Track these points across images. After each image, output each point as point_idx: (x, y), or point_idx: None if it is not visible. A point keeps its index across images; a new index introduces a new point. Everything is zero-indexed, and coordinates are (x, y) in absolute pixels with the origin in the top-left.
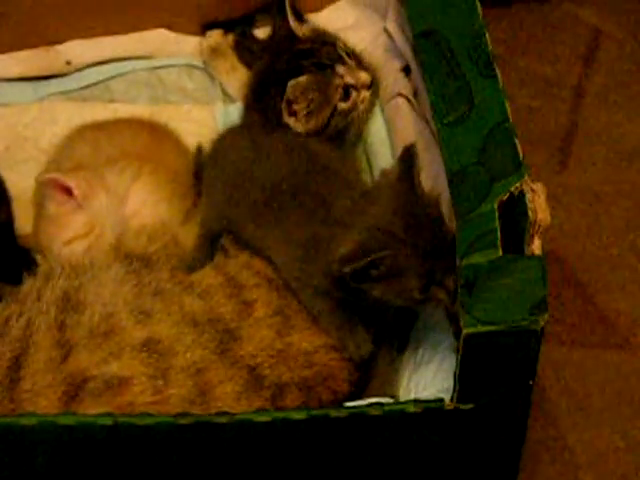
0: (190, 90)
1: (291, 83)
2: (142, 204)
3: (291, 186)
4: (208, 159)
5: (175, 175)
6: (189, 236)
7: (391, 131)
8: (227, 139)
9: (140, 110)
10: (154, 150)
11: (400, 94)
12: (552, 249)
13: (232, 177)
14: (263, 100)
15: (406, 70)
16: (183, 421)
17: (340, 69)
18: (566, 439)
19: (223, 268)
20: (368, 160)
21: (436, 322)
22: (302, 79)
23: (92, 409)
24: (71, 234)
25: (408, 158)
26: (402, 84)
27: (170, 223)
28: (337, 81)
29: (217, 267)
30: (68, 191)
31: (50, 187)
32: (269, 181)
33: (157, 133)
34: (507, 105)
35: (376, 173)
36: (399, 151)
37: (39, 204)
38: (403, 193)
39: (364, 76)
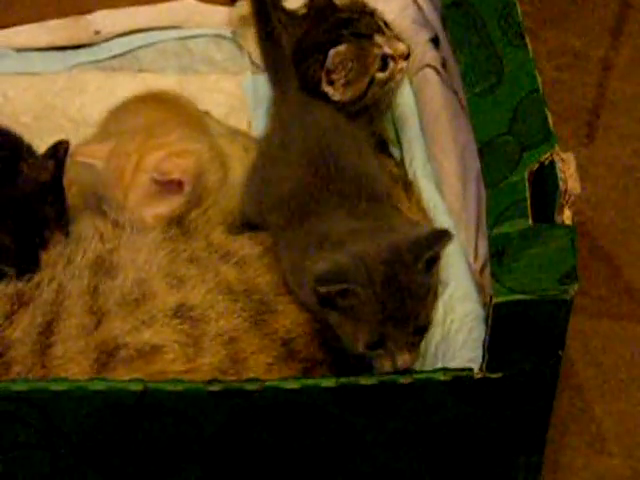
0: (218, 60)
1: (332, 52)
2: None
3: (308, 186)
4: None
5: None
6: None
7: (419, 102)
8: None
9: (168, 80)
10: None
11: (429, 65)
12: (579, 221)
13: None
14: (300, 69)
15: (434, 41)
16: (213, 388)
17: (378, 39)
18: (593, 411)
19: (262, 239)
20: (396, 131)
21: (465, 293)
22: (342, 48)
23: (123, 377)
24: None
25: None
26: (431, 55)
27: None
28: (375, 51)
29: (255, 237)
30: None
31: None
32: (291, 178)
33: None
34: (537, 75)
35: (404, 145)
36: (427, 123)
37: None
38: (402, 257)
39: (402, 46)
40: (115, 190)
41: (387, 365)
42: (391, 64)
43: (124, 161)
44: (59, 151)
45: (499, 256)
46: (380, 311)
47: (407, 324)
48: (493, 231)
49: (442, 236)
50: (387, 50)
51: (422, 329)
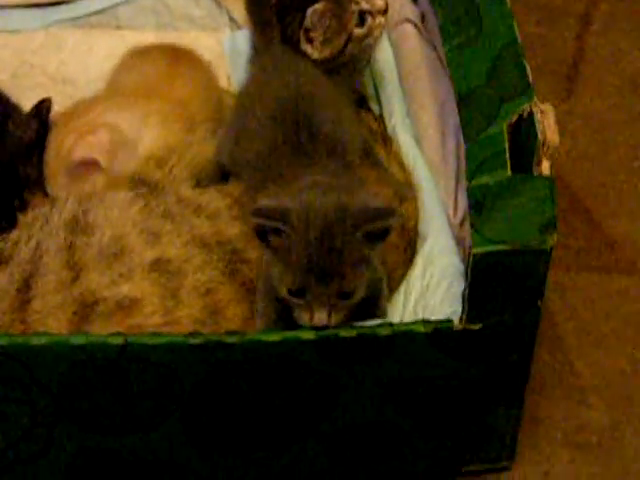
0: (197, 17)
1: (310, 11)
2: (154, 141)
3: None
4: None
5: (187, 107)
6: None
7: (398, 57)
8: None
9: (147, 37)
10: (167, 82)
11: (407, 20)
12: (559, 175)
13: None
14: (282, 24)
15: None
16: (194, 341)
17: None
18: (573, 363)
19: (229, 191)
20: (375, 86)
21: (444, 246)
22: (319, 6)
23: (102, 331)
24: (89, 189)
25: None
26: (409, 9)
27: (180, 149)
28: (353, 7)
29: (223, 190)
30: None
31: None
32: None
33: (177, 62)
34: (516, 27)
35: (383, 100)
36: (406, 77)
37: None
38: (344, 221)
39: (380, 2)
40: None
41: (305, 318)
42: (369, 20)
43: (49, 150)
44: (42, 110)
45: (478, 207)
46: (306, 261)
47: (330, 283)
48: (472, 183)
49: (387, 214)
50: (365, 6)
51: (347, 295)
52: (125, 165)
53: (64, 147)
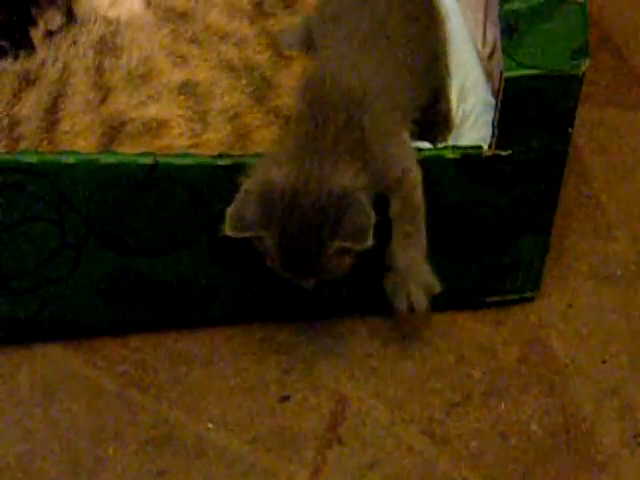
0: None
1: None
2: None
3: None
4: None
5: None
6: None
7: None
8: None
9: None
10: None
11: None
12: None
13: None
14: None
15: None
16: (222, 162)
17: None
18: (599, 197)
19: (261, 21)
20: None
21: (475, 82)
22: None
23: (131, 152)
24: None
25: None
26: None
27: None
28: None
29: (255, 20)
30: None
31: None
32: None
33: None
34: None
35: None
36: None
37: None
38: (318, 231)
39: None
40: None
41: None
42: None
43: None
44: None
45: (510, 32)
46: (282, 262)
47: (306, 277)
48: (504, 7)
49: (362, 238)
50: None
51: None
52: None
53: None
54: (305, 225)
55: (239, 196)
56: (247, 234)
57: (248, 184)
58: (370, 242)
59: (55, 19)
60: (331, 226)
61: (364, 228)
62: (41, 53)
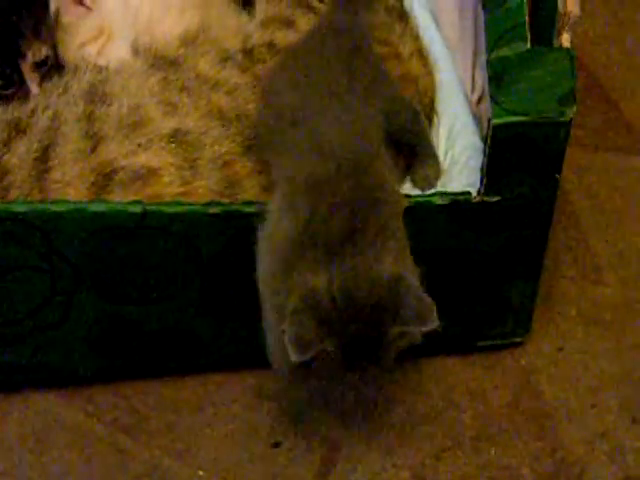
0: None
1: None
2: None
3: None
4: None
5: None
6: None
7: None
8: None
9: None
10: None
11: None
12: (577, 56)
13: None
14: None
15: None
16: (213, 210)
17: None
18: (588, 241)
19: (251, 69)
20: None
21: (463, 125)
22: None
23: (121, 200)
24: (82, 39)
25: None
26: None
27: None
28: None
29: (245, 68)
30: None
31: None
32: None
33: None
34: None
35: None
36: None
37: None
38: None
39: None
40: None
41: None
42: None
43: None
44: None
45: (498, 79)
46: (343, 358)
47: (366, 368)
48: (491, 55)
49: (427, 318)
50: None
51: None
52: (119, 22)
53: None
54: (364, 321)
55: (290, 319)
56: (315, 351)
57: (292, 305)
58: (437, 322)
59: (42, 50)
60: (391, 314)
61: (427, 309)
62: (31, 101)
